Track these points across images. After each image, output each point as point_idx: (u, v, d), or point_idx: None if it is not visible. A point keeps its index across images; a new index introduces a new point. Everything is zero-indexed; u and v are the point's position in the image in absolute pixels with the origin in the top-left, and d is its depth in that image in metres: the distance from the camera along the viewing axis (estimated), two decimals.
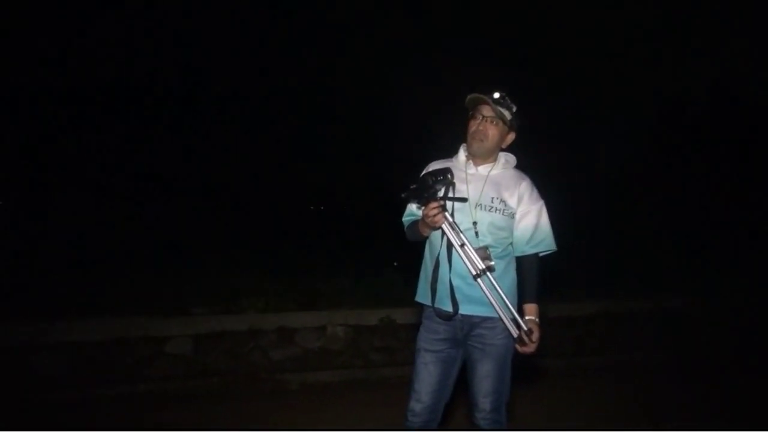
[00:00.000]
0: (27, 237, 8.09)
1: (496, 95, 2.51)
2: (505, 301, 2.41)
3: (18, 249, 7.33)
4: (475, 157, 2.58)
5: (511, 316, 2.42)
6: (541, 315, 2.55)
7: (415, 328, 2.69)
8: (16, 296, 5.52)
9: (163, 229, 9.74)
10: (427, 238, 2.58)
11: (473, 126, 2.56)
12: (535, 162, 2.84)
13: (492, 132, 2.53)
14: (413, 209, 2.65)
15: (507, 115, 2.52)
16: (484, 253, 2.41)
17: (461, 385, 2.61)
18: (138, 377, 4.97)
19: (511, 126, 2.57)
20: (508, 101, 2.54)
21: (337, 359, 5.70)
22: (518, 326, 2.40)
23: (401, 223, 2.75)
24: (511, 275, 2.56)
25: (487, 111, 2.52)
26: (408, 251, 2.94)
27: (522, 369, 2.88)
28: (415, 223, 2.59)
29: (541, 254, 2.59)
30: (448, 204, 2.45)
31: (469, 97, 2.55)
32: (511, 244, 2.57)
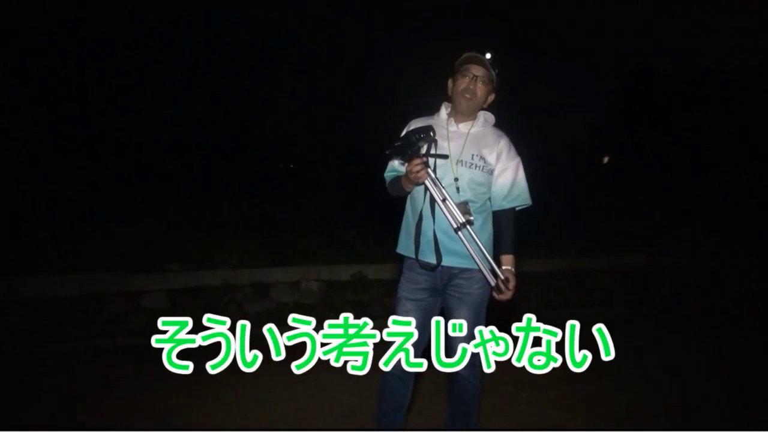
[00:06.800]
0: (4, 195, 7.94)
1: (488, 56, 2.60)
2: (483, 253, 2.55)
3: None
4: (457, 114, 2.67)
5: (489, 267, 2.56)
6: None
7: (386, 283, 2.80)
8: None
9: (139, 188, 9.66)
10: (409, 193, 2.68)
11: (463, 84, 2.62)
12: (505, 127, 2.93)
13: (481, 91, 2.62)
14: (395, 165, 2.73)
15: (494, 76, 2.63)
16: (464, 207, 2.54)
17: None
18: (115, 331, 5.00)
19: (494, 86, 2.68)
20: (496, 63, 2.63)
21: (310, 313, 5.80)
22: (495, 276, 2.55)
23: (383, 178, 2.83)
24: (489, 229, 2.69)
25: (477, 70, 2.61)
26: (379, 210, 3.01)
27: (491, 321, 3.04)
28: (397, 179, 2.67)
29: (517, 208, 2.72)
30: (431, 160, 2.55)
31: (464, 55, 2.62)
32: (489, 199, 2.69)
